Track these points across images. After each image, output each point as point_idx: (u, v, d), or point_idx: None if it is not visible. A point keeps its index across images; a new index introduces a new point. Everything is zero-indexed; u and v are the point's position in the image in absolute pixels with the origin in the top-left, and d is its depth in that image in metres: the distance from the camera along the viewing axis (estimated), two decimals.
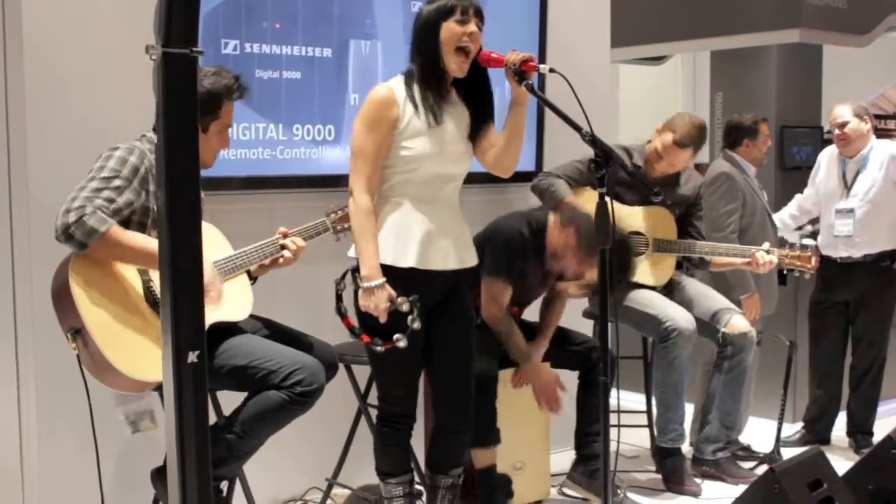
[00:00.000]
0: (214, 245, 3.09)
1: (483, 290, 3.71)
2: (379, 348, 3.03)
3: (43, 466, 3.42)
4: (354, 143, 3.07)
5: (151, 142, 2.94)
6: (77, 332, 2.74)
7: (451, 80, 3.10)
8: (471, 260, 3.24)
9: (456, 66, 3.04)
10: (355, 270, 3.06)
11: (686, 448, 4.44)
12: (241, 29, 3.62)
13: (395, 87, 3.07)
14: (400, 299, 2.99)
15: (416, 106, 3.05)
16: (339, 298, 3.11)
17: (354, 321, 3.09)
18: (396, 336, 3.00)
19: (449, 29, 3.01)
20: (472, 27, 3.02)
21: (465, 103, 3.16)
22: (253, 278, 3.23)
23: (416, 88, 3.06)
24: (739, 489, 3.78)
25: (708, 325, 4.27)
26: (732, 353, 4.26)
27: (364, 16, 3.91)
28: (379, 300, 2.98)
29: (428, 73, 3.06)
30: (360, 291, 3.02)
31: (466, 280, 3.26)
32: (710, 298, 4.37)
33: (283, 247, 3.20)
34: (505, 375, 3.84)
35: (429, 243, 3.08)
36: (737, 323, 4.26)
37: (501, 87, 4.25)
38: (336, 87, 3.88)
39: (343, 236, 3.34)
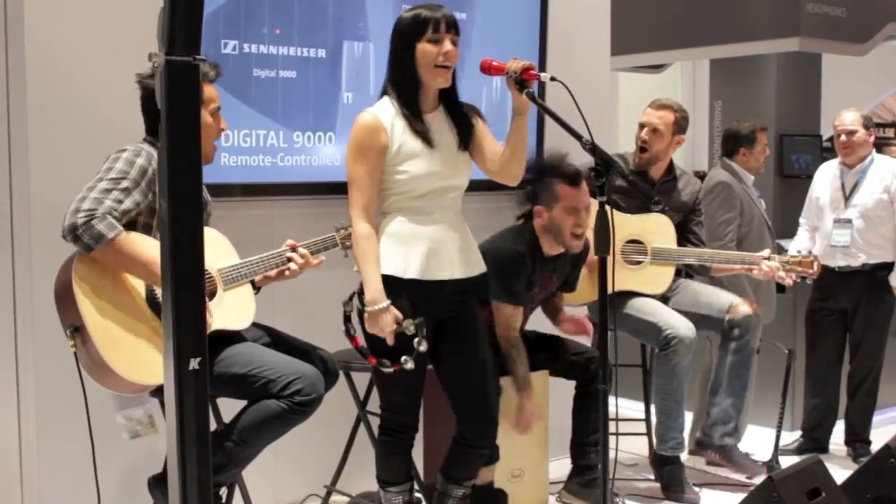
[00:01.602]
0: (221, 253, 3.09)
1: (496, 315, 3.71)
2: (387, 370, 3.03)
3: (42, 470, 3.42)
4: (348, 173, 3.08)
5: (154, 144, 2.95)
6: (76, 329, 2.74)
7: (437, 95, 3.11)
8: (478, 267, 3.24)
9: (441, 80, 3.06)
10: (360, 293, 3.06)
11: (685, 457, 4.44)
12: (240, 30, 3.69)
13: (381, 112, 3.06)
14: (406, 322, 2.98)
15: (405, 130, 3.04)
16: (346, 319, 3.10)
17: (362, 341, 3.09)
18: (404, 358, 2.99)
19: (423, 50, 3.01)
20: (447, 45, 3.01)
21: (449, 114, 3.16)
22: (256, 287, 3.23)
23: (402, 112, 3.05)
24: (738, 497, 3.78)
25: (713, 319, 4.29)
26: (739, 335, 4.28)
27: (357, 18, 3.99)
28: (385, 324, 2.97)
29: (409, 95, 3.06)
30: (366, 316, 3.01)
31: (475, 290, 3.25)
32: (711, 294, 4.40)
33: (289, 259, 3.20)
34: (504, 383, 3.83)
35: (432, 254, 3.08)
36: (740, 308, 4.29)
37: (489, 88, 4.32)
38: (330, 86, 3.95)
39: (351, 252, 3.33)
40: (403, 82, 3.06)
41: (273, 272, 3.19)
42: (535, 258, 3.79)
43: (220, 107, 3.07)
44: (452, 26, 3.04)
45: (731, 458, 4.41)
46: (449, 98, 3.15)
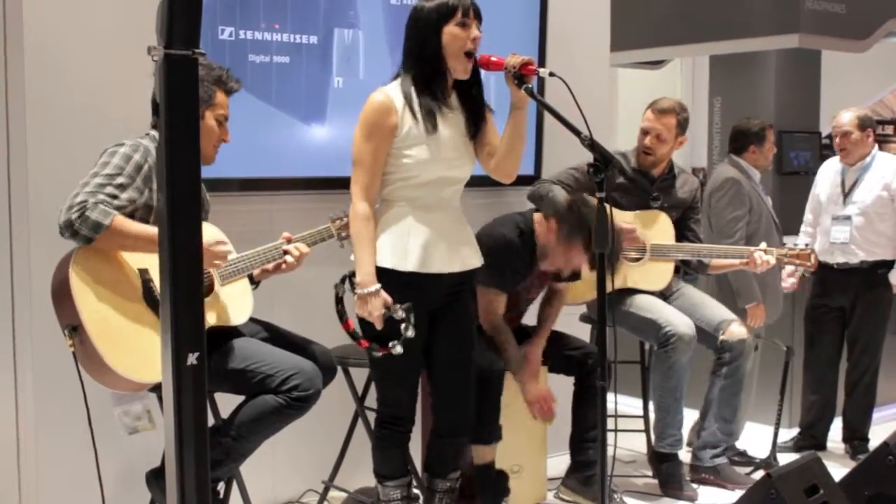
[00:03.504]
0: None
1: (479, 299, 3.70)
2: (376, 353, 3.04)
3: (40, 467, 3.42)
4: (353, 151, 3.07)
5: (154, 140, 2.94)
6: (74, 329, 2.73)
7: (452, 84, 3.10)
8: (475, 261, 3.24)
9: (462, 70, 3.05)
10: (352, 276, 3.06)
11: (685, 454, 4.44)
12: (236, 16, 3.77)
13: (393, 93, 3.06)
14: (395, 306, 2.98)
15: (414, 114, 3.04)
16: (338, 302, 3.10)
17: (354, 325, 3.10)
18: (392, 343, 3.00)
19: (451, 34, 3.00)
20: (475, 31, 3.02)
21: (461, 104, 3.15)
22: (255, 282, 3.23)
23: (415, 96, 3.05)
24: (736, 494, 3.78)
25: (707, 333, 4.28)
26: (731, 360, 4.26)
27: (347, 7, 4.07)
28: (373, 307, 2.98)
29: (429, 80, 3.05)
30: (356, 298, 3.02)
31: (471, 283, 3.25)
32: (709, 307, 4.37)
33: (286, 252, 3.19)
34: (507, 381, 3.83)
35: (430, 247, 3.08)
36: (735, 330, 4.27)
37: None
38: (321, 71, 4.03)
39: (347, 243, 3.33)
40: (425, 68, 3.04)
41: (270, 266, 3.19)
42: (529, 248, 3.79)
43: (227, 116, 3.06)
44: (478, 14, 3.05)
45: (724, 478, 4.40)
46: (462, 90, 3.13)
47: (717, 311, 4.35)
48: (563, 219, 3.71)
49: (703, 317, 4.31)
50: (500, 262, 3.68)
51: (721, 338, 4.25)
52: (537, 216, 3.84)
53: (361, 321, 3.07)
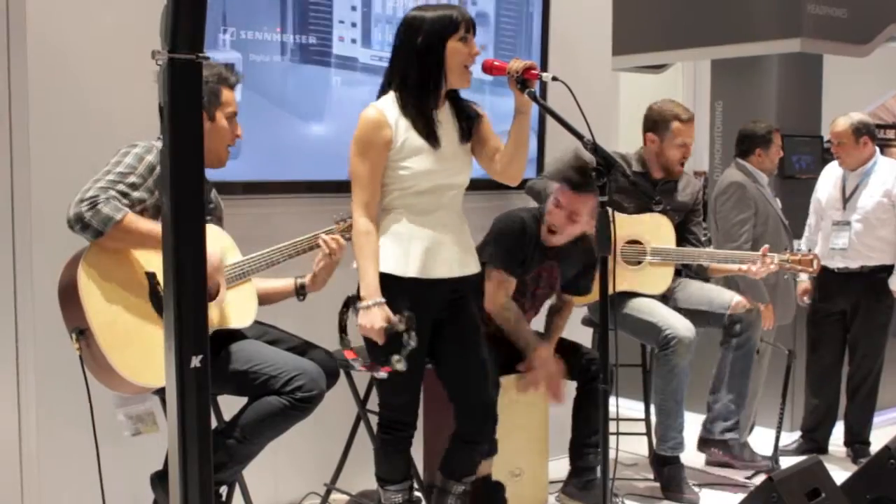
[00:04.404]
0: (223, 251, 3.09)
1: (487, 281, 3.69)
2: (381, 375, 3.03)
3: (42, 467, 3.42)
4: (350, 168, 3.08)
5: None
6: (81, 332, 2.73)
7: (445, 92, 3.10)
8: (473, 267, 3.24)
9: (465, 82, 3.07)
10: (356, 297, 3.05)
11: (685, 457, 4.44)
12: (237, 17, 3.80)
13: (386, 107, 3.06)
14: (396, 317, 2.97)
15: (413, 125, 3.04)
16: (342, 330, 3.10)
17: (357, 354, 3.09)
18: (396, 358, 2.98)
19: (454, 48, 3.01)
20: (475, 47, 3.05)
21: (451, 111, 3.16)
22: (303, 294, 3.25)
23: (411, 109, 3.04)
24: (738, 497, 3.78)
25: (714, 314, 4.30)
26: (741, 330, 4.30)
27: (346, 6, 4.12)
28: (375, 319, 2.97)
29: (427, 90, 3.05)
30: (359, 311, 3.02)
31: (472, 288, 3.25)
32: (713, 290, 4.43)
33: (317, 246, 3.18)
34: (506, 382, 3.83)
35: (431, 252, 3.08)
36: (741, 304, 4.32)
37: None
38: (321, 69, 4.07)
39: (350, 244, 3.33)
40: (424, 80, 3.04)
41: (317, 268, 3.19)
42: (536, 238, 3.81)
43: (236, 112, 3.07)
44: (474, 27, 3.07)
45: (734, 454, 4.41)
46: (452, 93, 3.15)
47: (721, 293, 4.40)
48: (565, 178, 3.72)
49: (708, 299, 4.35)
50: (508, 242, 3.70)
51: (729, 313, 4.29)
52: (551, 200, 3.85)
53: (365, 339, 3.06)
